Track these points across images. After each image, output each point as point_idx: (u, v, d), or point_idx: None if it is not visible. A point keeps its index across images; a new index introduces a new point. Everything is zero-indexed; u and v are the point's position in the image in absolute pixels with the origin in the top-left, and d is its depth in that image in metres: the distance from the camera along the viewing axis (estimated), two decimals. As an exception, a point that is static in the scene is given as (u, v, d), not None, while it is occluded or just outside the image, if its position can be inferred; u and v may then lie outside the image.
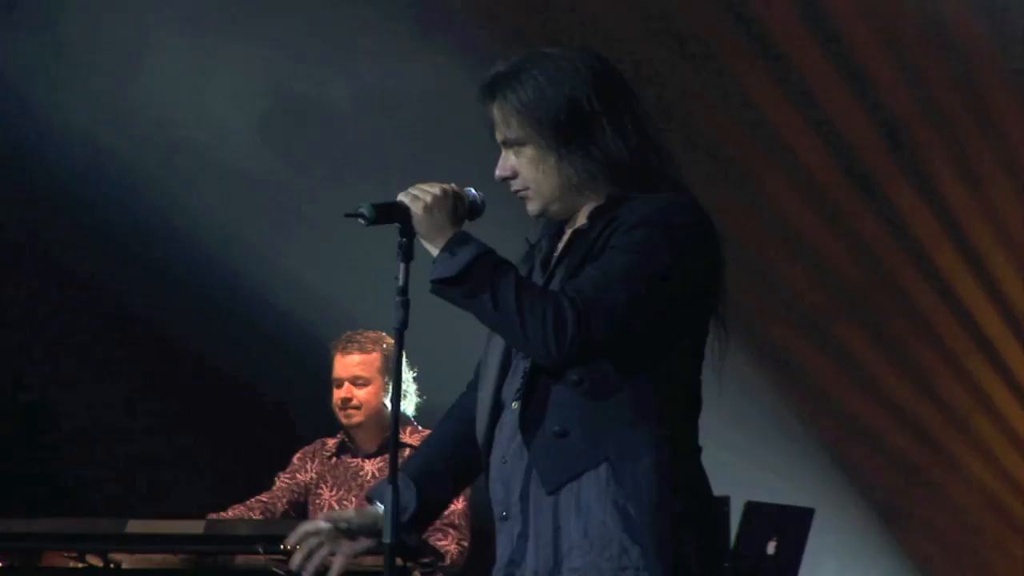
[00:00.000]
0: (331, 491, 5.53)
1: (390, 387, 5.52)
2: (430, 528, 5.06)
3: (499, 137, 3.10)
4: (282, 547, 4.69)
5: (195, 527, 4.88)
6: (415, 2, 7.11)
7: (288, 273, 7.04)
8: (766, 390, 7.29)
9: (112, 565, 4.92)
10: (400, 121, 6.72)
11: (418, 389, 5.55)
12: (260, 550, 4.71)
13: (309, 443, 5.68)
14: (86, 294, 7.20)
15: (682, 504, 2.94)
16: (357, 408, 5.51)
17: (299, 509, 5.54)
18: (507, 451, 3.03)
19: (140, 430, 7.21)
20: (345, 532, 3.18)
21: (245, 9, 7.11)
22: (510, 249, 3.11)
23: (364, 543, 3.20)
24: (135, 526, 4.89)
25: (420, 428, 5.53)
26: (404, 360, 5.51)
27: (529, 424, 2.97)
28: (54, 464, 7.31)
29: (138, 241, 7.14)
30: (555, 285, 3.02)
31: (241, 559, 4.87)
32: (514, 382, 3.05)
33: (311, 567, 3.17)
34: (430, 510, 3.23)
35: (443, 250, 2.96)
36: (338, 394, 5.54)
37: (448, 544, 5.27)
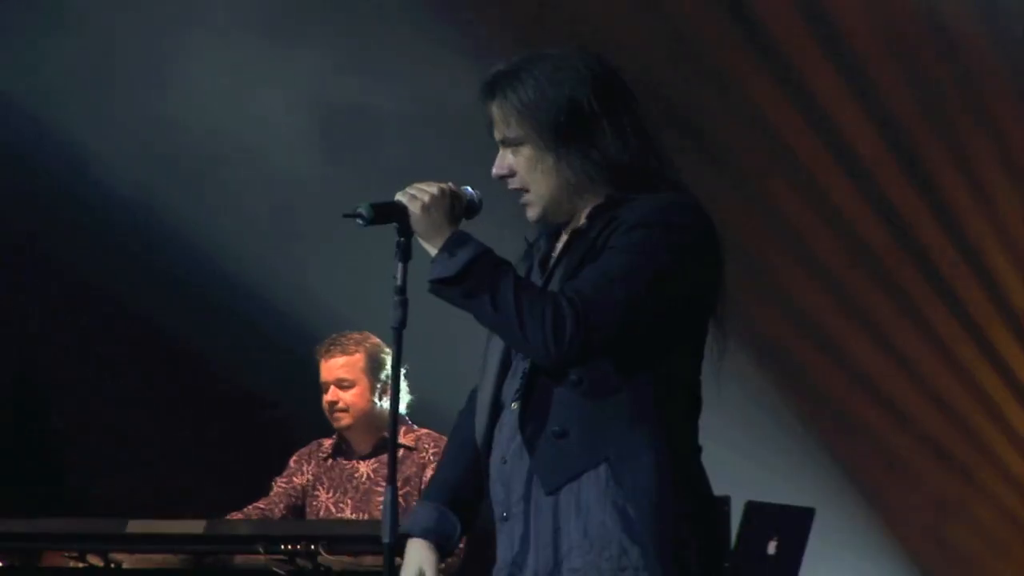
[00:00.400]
0: (328, 493, 5.52)
1: (378, 387, 5.52)
2: None
3: (498, 136, 3.10)
4: (282, 547, 4.69)
5: (195, 527, 4.88)
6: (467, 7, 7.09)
7: (302, 278, 7.03)
8: (766, 390, 7.29)
9: (112, 565, 4.93)
10: (446, 131, 6.69)
11: (410, 386, 5.52)
12: (260, 550, 4.71)
13: (306, 445, 5.68)
14: (87, 295, 7.20)
15: (682, 504, 2.94)
16: (344, 411, 5.50)
17: (296, 512, 5.53)
18: (507, 451, 3.03)
19: (140, 430, 7.20)
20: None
21: (292, 17, 7.11)
22: (508, 248, 3.11)
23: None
24: (135, 526, 4.89)
25: (415, 427, 5.52)
26: (383, 362, 5.52)
27: (528, 424, 2.97)
28: (54, 464, 7.31)
29: (138, 242, 7.13)
30: (554, 285, 3.02)
31: (241, 559, 4.87)
32: (513, 382, 3.05)
33: None
34: (467, 529, 3.23)
35: (442, 250, 2.97)
36: (325, 398, 5.52)
37: None
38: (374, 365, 5.52)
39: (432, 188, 3.03)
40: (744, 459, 6.79)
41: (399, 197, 3.04)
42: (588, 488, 2.94)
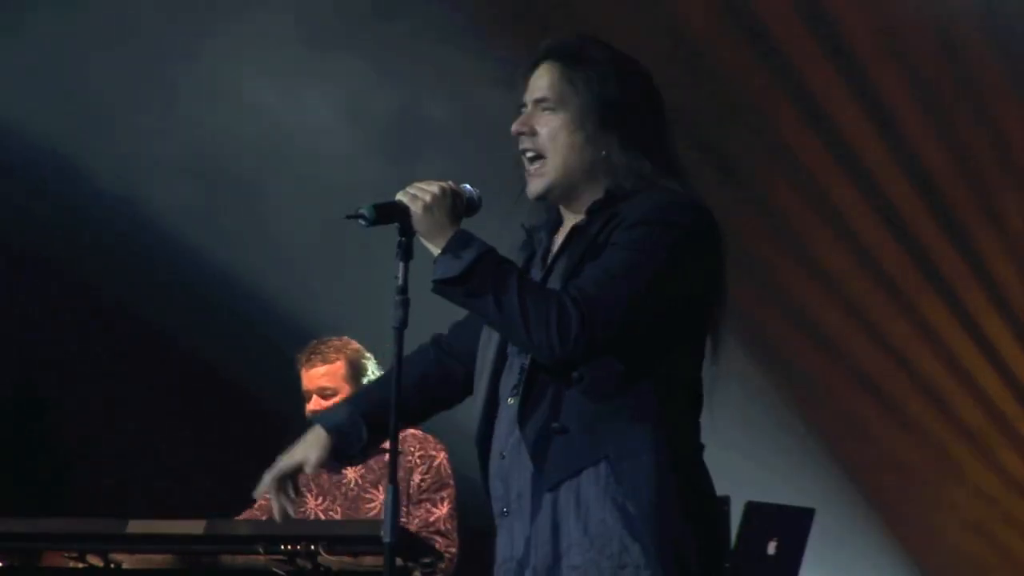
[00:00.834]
0: (316, 500, 5.50)
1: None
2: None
3: (534, 95, 3.11)
4: (282, 548, 4.69)
5: (195, 527, 4.87)
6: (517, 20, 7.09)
7: (304, 278, 7.04)
8: (766, 390, 7.30)
9: (112, 565, 4.92)
10: (489, 141, 6.67)
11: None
12: (260, 550, 4.71)
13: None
14: (88, 296, 7.20)
15: (682, 502, 2.94)
16: None
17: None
18: (505, 447, 3.04)
19: (141, 430, 7.20)
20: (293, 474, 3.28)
21: (343, 26, 7.11)
22: (508, 244, 3.12)
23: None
24: (135, 526, 4.88)
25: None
26: (373, 360, 5.50)
27: (528, 420, 2.97)
28: (54, 464, 7.31)
29: (139, 245, 7.14)
30: (553, 281, 3.02)
31: (241, 559, 4.86)
32: (510, 377, 3.06)
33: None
34: (370, 447, 3.30)
35: (445, 250, 2.97)
36: (308, 407, 5.48)
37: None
38: (355, 372, 5.48)
39: (433, 187, 3.04)
40: (744, 459, 6.79)
41: (400, 197, 3.04)
42: (588, 485, 2.94)
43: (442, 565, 5.10)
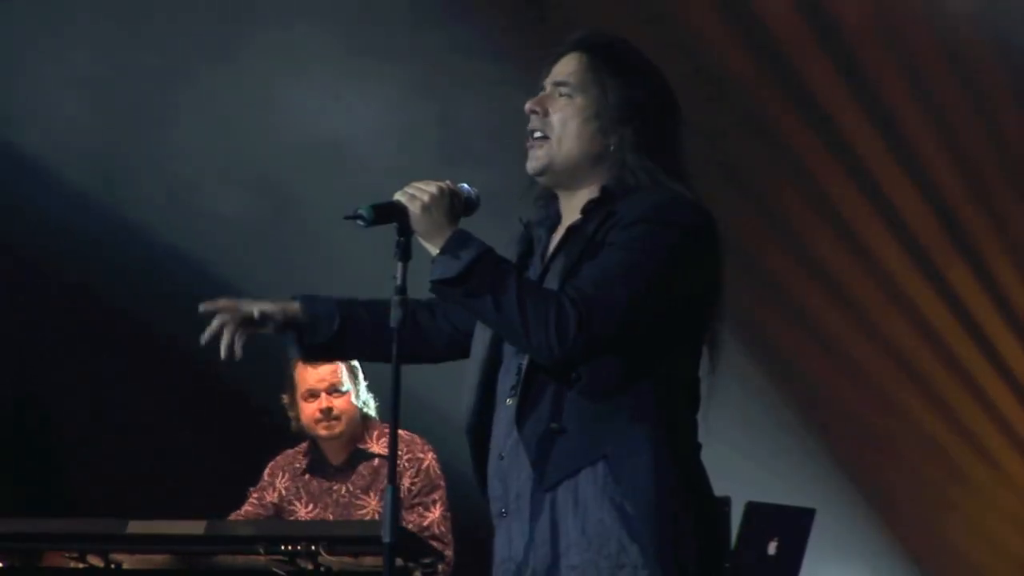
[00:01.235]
0: (307, 508, 5.49)
1: (359, 392, 5.49)
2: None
3: (555, 78, 3.13)
4: (283, 548, 4.69)
5: (195, 527, 4.88)
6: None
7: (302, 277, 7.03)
8: (766, 390, 7.29)
9: (113, 565, 4.92)
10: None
11: (382, 387, 5.48)
12: (260, 550, 4.71)
13: (280, 454, 5.63)
14: (88, 298, 7.20)
15: (681, 502, 2.94)
16: (338, 418, 5.44)
17: None
18: (504, 447, 3.04)
19: (141, 431, 7.20)
20: (257, 319, 3.21)
21: (383, 34, 7.11)
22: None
23: (266, 328, 3.24)
24: (135, 526, 4.89)
25: (387, 428, 5.48)
26: (357, 368, 5.51)
27: (526, 421, 2.98)
28: (54, 464, 7.31)
29: (137, 247, 7.14)
30: (551, 280, 3.02)
31: (241, 559, 4.86)
32: (508, 377, 3.06)
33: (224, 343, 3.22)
34: (343, 346, 3.24)
35: (443, 250, 2.97)
36: (315, 406, 5.45)
37: None
38: (354, 373, 5.50)
39: (431, 187, 3.04)
40: (744, 459, 6.79)
41: (398, 197, 3.04)
42: (586, 485, 2.94)
43: (442, 565, 5.10)
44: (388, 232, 3.06)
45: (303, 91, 7.08)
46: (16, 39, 7.08)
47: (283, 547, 4.69)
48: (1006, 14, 7.16)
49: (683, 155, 3.13)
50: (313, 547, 4.66)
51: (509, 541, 3.03)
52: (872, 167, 7.35)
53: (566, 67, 3.13)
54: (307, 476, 5.51)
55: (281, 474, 5.55)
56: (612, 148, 3.08)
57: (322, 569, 4.70)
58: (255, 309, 3.21)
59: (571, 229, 3.07)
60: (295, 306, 3.25)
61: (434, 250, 2.99)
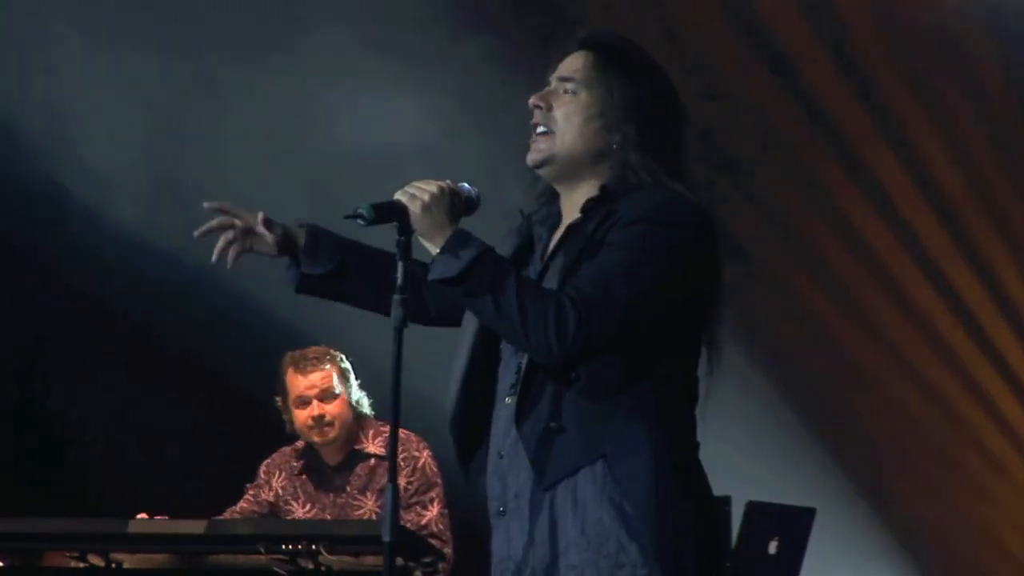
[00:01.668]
0: (304, 508, 5.48)
1: (352, 397, 5.48)
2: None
3: (561, 74, 3.13)
4: (283, 547, 4.68)
5: (195, 527, 4.88)
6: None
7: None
8: (767, 390, 7.29)
9: (113, 565, 4.92)
10: None
11: (377, 386, 5.48)
12: (261, 550, 4.71)
13: (276, 451, 5.62)
14: (88, 298, 7.20)
15: (680, 501, 2.94)
16: (331, 424, 5.42)
17: None
18: (502, 446, 3.04)
19: (141, 431, 7.21)
20: (260, 226, 3.18)
21: (428, 41, 7.11)
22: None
23: (263, 246, 3.19)
24: (136, 526, 4.89)
25: (383, 425, 5.47)
26: (348, 369, 5.50)
27: (525, 420, 2.97)
28: (54, 464, 7.31)
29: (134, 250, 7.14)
30: (550, 279, 3.02)
31: (242, 559, 4.86)
32: (507, 376, 3.05)
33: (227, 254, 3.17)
34: (338, 282, 3.21)
35: (443, 250, 2.97)
36: (307, 412, 5.41)
37: None
38: (345, 375, 5.48)
39: (431, 187, 3.04)
40: (745, 459, 6.79)
41: (399, 196, 3.04)
42: (585, 485, 2.94)
43: (443, 564, 5.10)
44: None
45: (349, 101, 7.08)
46: (62, 47, 7.08)
47: (284, 546, 4.68)
48: (1006, 11, 7.17)
49: (685, 156, 3.13)
50: (314, 546, 4.66)
51: (508, 540, 3.03)
52: (874, 167, 7.35)
53: (572, 64, 3.13)
54: (303, 476, 5.50)
55: (277, 473, 5.53)
56: (615, 146, 3.08)
57: (322, 568, 4.70)
58: (260, 215, 3.17)
59: (571, 228, 3.07)
60: (299, 230, 3.22)
61: (434, 249, 2.99)
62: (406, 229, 3.01)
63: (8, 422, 7.34)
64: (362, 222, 3.01)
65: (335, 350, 5.53)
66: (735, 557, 5.41)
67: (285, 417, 5.53)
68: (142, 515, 5.13)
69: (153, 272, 7.14)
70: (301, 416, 5.44)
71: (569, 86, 3.11)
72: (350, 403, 5.46)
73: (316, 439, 5.44)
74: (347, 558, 4.72)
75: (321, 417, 5.40)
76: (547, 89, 3.14)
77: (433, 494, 5.38)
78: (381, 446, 5.40)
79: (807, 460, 7.30)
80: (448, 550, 5.32)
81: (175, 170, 7.04)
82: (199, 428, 7.16)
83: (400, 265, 3.01)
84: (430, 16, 7.15)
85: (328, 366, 5.45)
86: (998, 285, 7.34)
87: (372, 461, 5.43)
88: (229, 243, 3.16)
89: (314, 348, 5.53)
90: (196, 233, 3.18)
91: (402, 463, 5.35)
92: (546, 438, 2.96)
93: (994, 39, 7.16)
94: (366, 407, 5.50)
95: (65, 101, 7.08)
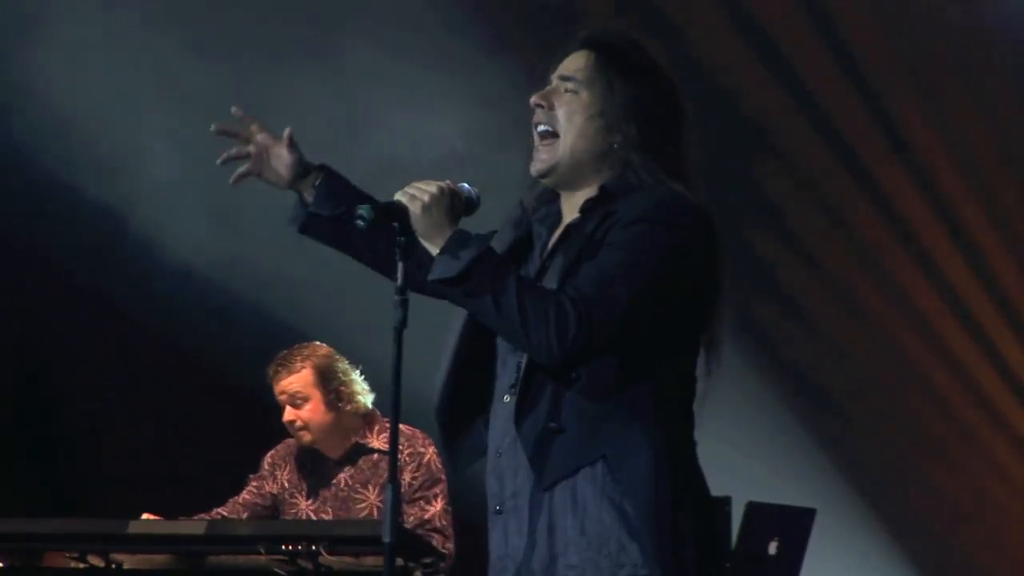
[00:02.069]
0: (307, 501, 5.48)
1: (331, 397, 5.44)
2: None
3: (562, 73, 3.13)
4: (283, 548, 4.68)
5: (195, 527, 4.89)
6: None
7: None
8: (767, 390, 7.29)
9: (113, 565, 4.93)
10: None
11: (372, 386, 5.47)
12: (261, 550, 4.71)
13: (280, 442, 5.62)
14: (89, 298, 7.20)
15: (680, 502, 2.94)
16: (304, 428, 5.42)
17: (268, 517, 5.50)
18: (501, 445, 3.04)
19: (142, 431, 7.20)
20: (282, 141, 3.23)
21: (460, 47, 7.11)
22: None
23: (272, 174, 3.24)
24: (136, 526, 4.90)
25: (387, 422, 5.46)
26: (345, 362, 5.49)
27: (525, 419, 2.97)
28: (55, 464, 7.31)
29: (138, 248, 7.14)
30: (549, 279, 3.02)
31: (242, 559, 4.87)
32: (507, 375, 3.05)
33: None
34: (342, 229, 3.21)
35: (443, 251, 2.97)
36: (284, 418, 5.44)
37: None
38: (324, 376, 5.42)
39: (431, 187, 3.04)
40: (745, 459, 6.79)
41: (399, 197, 3.04)
42: (584, 485, 2.94)
43: (443, 564, 5.10)
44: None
45: (390, 111, 7.07)
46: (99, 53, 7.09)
47: (283, 547, 4.69)
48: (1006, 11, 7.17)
49: (686, 156, 3.13)
50: (313, 547, 4.66)
51: (505, 539, 3.03)
52: (873, 166, 7.34)
53: (574, 63, 3.13)
54: (308, 469, 5.51)
55: (283, 465, 5.54)
56: (616, 146, 3.08)
57: (322, 569, 4.70)
58: (287, 131, 3.21)
59: (570, 228, 3.07)
60: (314, 166, 3.25)
61: (434, 250, 2.98)
62: (406, 230, 3.01)
63: (8, 422, 7.33)
64: (362, 223, 3.00)
65: (329, 348, 5.51)
66: (735, 557, 5.41)
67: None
68: (147, 515, 5.14)
69: (154, 272, 7.14)
70: (284, 418, 5.46)
71: (570, 85, 3.11)
72: (334, 404, 5.42)
73: (298, 442, 5.46)
74: (347, 558, 4.73)
75: (292, 423, 5.41)
76: (548, 88, 3.14)
77: (437, 490, 5.39)
78: (386, 442, 5.40)
79: (807, 460, 7.29)
80: (450, 545, 5.32)
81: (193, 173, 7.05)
82: (199, 428, 7.15)
83: (400, 266, 3.01)
84: (471, 26, 7.15)
85: (302, 368, 5.43)
86: (999, 286, 7.33)
87: (376, 456, 5.43)
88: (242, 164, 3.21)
89: (292, 349, 5.50)
90: (219, 161, 3.22)
91: (408, 458, 5.35)
92: (545, 438, 2.96)
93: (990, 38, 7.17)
94: (368, 403, 5.49)
95: (90, 107, 7.10)
